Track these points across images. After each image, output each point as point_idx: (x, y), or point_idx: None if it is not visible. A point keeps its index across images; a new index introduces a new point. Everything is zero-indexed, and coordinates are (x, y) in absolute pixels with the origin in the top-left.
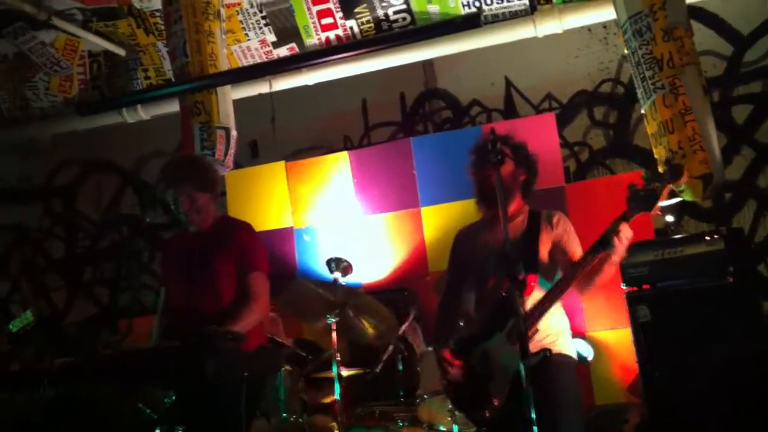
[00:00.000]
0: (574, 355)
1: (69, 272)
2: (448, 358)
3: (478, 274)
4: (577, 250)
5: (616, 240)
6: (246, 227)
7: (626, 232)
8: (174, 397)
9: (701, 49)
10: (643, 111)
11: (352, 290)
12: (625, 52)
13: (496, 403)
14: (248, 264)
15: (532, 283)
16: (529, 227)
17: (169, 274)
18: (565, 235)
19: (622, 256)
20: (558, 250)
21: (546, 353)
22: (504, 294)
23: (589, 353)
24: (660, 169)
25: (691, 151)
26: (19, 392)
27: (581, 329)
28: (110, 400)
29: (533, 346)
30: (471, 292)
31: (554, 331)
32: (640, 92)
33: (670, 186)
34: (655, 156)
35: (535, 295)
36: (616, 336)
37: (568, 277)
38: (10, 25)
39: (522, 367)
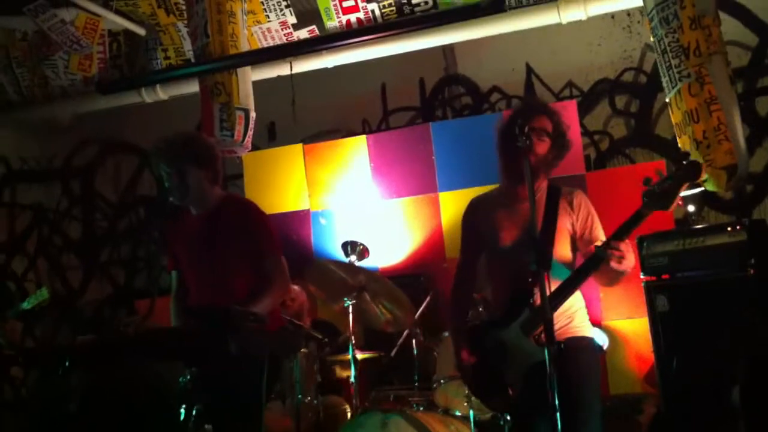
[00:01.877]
0: (591, 334)
1: (86, 253)
2: (464, 345)
3: (495, 251)
4: (596, 235)
5: (611, 259)
6: (253, 208)
7: (626, 249)
8: (190, 377)
9: (726, 39)
10: (667, 100)
11: (373, 274)
12: (651, 39)
13: (511, 393)
14: (262, 247)
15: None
16: (547, 206)
17: (178, 257)
18: (584, 219)
19: (629, 268)
20: (578, 235)
21: (560, 346)
22: (530, 281)
23: (604, 342)
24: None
25: (716, 141)
26: (45, 369)
27: (598, 318)
28: (137, 379)
29: None
30: (485, 268)
31: (568, 314)
32: (665, 81)
33: (687, 185)
34: (679, 145)
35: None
36: (633, 325)
37: (579, 276)
38: (31, 2)
39: (546, 352)
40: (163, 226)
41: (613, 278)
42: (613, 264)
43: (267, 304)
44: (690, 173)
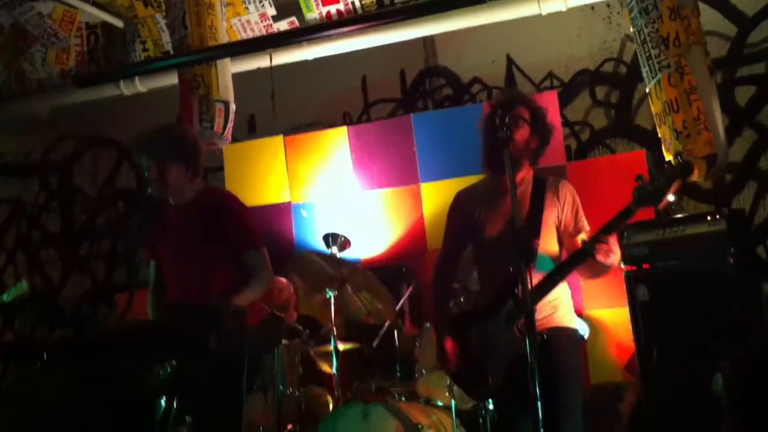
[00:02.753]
0: (574, 325)
1: (65, 247)
2: (447, 334)
3: (480, 242)
4: (580, 225)
5: (598, 253)
6: (233, 201)
7: (613, 244)
8: (170, 370)
9: (705, 29)
10: (647, 90)
11: (355, 266)
12: (630, 30)
13: (491, 383)
14: (243, 240)
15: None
16: (533, 198)
17: (156, 249)
18: (569, 209)
19: (616, 262)
20: (562, 223)
21: (542, 337)
22: (512, 269)
23: (585, 332)
24: (665, 155)
25: (696, 131)
26: (20, 364)
27: (578, 308)
28: (116, 374)
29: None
30: (471, 260)
31: (553, 305)
32: (645, 71)
33: (679, 182)
34: (659, 135)
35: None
36: (613, 315)
37: (564, 268)
38: None
39: (528, 342)
40: (143, 219)
41: (598, 271)
42: (600, 257)
43: (249, 297)
44: (682, 171)
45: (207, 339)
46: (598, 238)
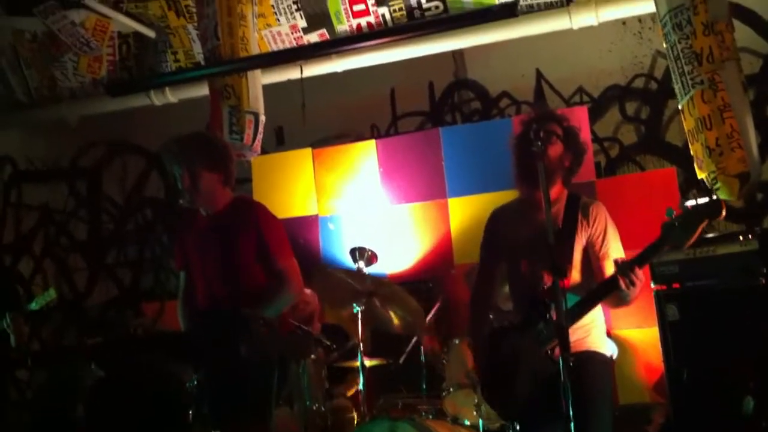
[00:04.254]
0: (606, 351)
1: (92, 254)
2: (485, 351)
3: (514, 260)
4: (612, 253)
5: (623, 285)
6: (263, 210)
7: (639, 277)
8: (198, 380)
9: (738, 46)
10: (680, 106)
11: (381, 280)
12: (662, 46)
13: (519, 401)
14: (274, 249)
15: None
16: (566, 219)
17: (187, 257)
18: (600, 234)
19: (634, 297)
20: (592, 249)
21: (573, 360)
22: (544, 288)
23: (613, 351)
24: (698, 173)
25: (729, 149)
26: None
27: (608, 327)
28: (146, 381)
29: None
30: (504, 278)
31: (586, 329)
32: (677, 87)
33: (707, 222)
34: (692, 153)
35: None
36: (642, 335)
37: (579, 309)
38: (42, 3)
39: (561, 361)
40: (173, 227)
41: (618, 302)
42: (622, 285)
43: (279, 307)
44: (712, 210)
45: (238, 347)
46: (630, 266)
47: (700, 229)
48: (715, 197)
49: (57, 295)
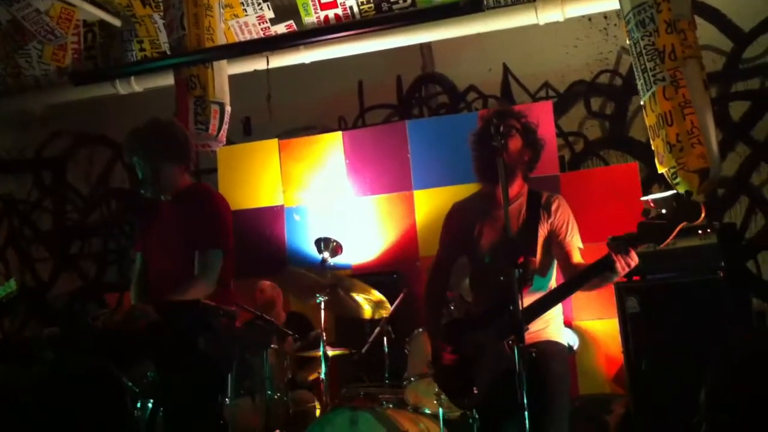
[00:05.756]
0: (564, 341)
1: (56, 244)
2: (440, 342)
3: (475, 254)
4: (574, 243)
5: (619, 267)
6: (211, 198)
7: (633, 259)
8: (154, 373)
9: (701, 43)
10: (642, 102)
11: (341, 274)
12: (627, 42)
13: (475, 392)
14: (203, 238)
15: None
16: (528, 214)
17: (141, 240)
18: (563, 226)
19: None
20: (554, 241)
21: (531, 354)
22: (502, 279)
23: (574, 342)
24: (658, 168)
25: (689, 145)
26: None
27: (568, 318)
28: (98, 374)
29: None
30: (464, 271)
31: (544, 319)
32: (640, 83)
33: (684, 224)
34: (653, 148)
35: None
36: (603, 326)
37: (566, 289)
38: None
39: (516, 351)
40: (136, 216)
41: (597, 285)
42: (618, 267)
43: (189, 295)
44: (689, 214)
45: (196, 339)
46: (625, 247)
47: (677, 230)
48: (694, 200)
49: (18, 287)
